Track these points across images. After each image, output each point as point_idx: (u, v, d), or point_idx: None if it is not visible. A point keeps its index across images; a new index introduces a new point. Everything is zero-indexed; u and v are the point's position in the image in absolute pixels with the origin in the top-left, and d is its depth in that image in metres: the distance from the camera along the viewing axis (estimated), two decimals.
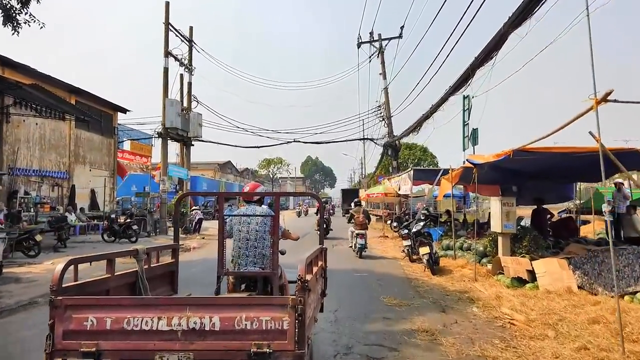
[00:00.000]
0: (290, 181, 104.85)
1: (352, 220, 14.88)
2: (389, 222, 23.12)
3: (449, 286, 8.72)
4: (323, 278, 4.54)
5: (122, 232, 16.80)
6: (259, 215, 4.44)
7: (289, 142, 25.96)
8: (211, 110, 24.17)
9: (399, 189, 17.76)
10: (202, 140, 24.75)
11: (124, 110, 25.99)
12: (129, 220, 16.95)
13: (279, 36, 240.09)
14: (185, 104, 23.13)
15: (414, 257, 12.47)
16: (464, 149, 21.43)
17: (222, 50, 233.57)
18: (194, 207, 37.46)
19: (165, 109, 20.05)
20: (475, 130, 20.15)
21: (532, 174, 11.14)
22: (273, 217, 4.34)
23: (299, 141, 25.97)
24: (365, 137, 26.81)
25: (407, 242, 12.71)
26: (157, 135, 20.40)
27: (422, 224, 11.96)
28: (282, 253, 4.54)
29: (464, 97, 22.03)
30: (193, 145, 23.62)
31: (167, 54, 20.23)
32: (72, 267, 3.07)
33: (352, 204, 15.92)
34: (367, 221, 14.83)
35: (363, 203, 18.11)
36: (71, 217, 18.69)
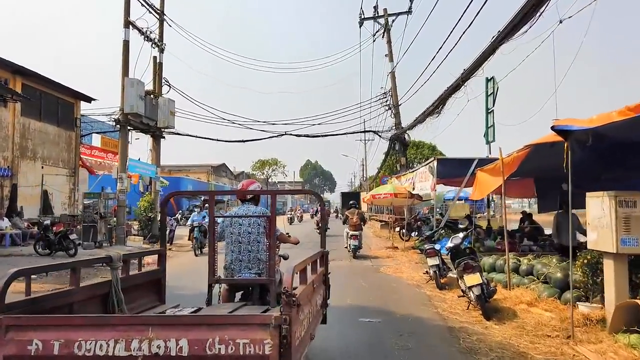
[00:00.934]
0: (289, 185, 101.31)
1: (347, 222, 14.92)
2: (397, 229, 19.30)
3: (529, 349, 4.91)
4: (325, 286, 4.08)
5: (58, 242, 13.04)
6: (252, 216, 4.13)
7: (280, 134, 22.21)
8: (185, 95, 20.43)
9: (413, 188, 14.00)
10: (177, 133, 20.99)
11: (89, 99, 22.31)
12: (62, 229, 13.15)
13: (270, 16, 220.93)
14: (154, 88, 19.40)
15: (443, 280, 8.84)
16: (487, 142, 17.90)
17: (206, 31, 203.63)
18: (176, 214, 33.84)
19: (124, 90, 16.32)
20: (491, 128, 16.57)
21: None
22: (268, 218, 3.99)
23: (291, 134, 22.25)
24: (369, 129, 23.02)
25: (434, 261, 8.98)
26: (113, 123, 16.65)
27: (461, 236, 8.11)
28: (285, 258, 4.58)
29: (488, 80, 18.51)
30: (164, 137, 19.86)
31: (128, 23, 16.52)
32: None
33: (349, 205, 15.88)
34: (361, 223, 14.72)
35: (365, 206, 16.01)
36: (1, 224, 14.93)
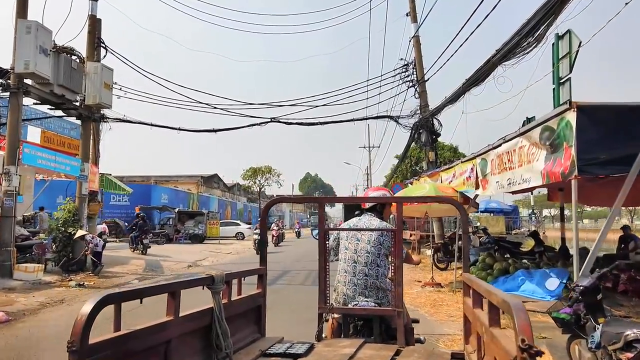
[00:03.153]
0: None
1: None
2: (429, 252, 13.39)
3: None
4: None
5: None
6: (374, 230, 3.34)
7: (265, 122, 16.38)
8: (130, 63, 14.72)
9: (484, 185, 8.13)
10: (117, 120, 15.24)
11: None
12: None
13: None
14: (87, 54, 13.73)
15: None
16: None
17: None
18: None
19: (17, 39, 10.62)
20: (530, 119, 10.97)
21: None
22: (394, 232, 3.16)
23: (280, 121, 16.43)
24: (382, 114, 17.14)
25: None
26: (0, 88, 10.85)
27: (594, 276, 3.84)
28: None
29: (559, 37, 13.00)
30: (95, 120, 14.07)
31: None
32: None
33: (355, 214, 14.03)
34: None
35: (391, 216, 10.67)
36: None
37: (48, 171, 20.27)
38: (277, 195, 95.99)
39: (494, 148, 7.30)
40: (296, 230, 39.80)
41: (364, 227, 3.40)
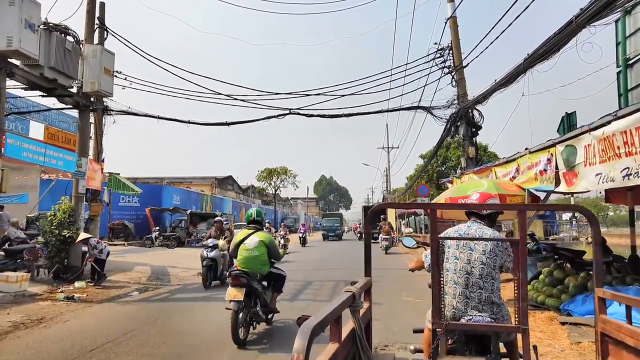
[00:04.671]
0: (302, 201, 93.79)
1: (379, 230, 22.69)
2: None
3: None
4: None
5: None
6: (490, 239, 3.13)
7: (283, 114, 14.74)
8: (133, 47, 13.25)
9: (570, 180, 6.34)
10: (121, 112, 13.76)
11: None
12: None
13: None
14: (85, 37, 12.28)
15: None
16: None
17: None
18: (152, 231, 26.42)
19: None
20: (571, 115, 9.83)
21: None
22: (516, 244, 2.96)
23: (300, 113, 14.77)
24: (413, 104, 15.33)
25: None
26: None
27: None
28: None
29: (626, 11, 11.56)
30: (94, 109, 12.56)
31: None
32: None
33: (381, 218, 24.16)
34: (391, 229, 23.17)
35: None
36: None
37: (45, 168, 18.96)
38: (291, 198, 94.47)
39: (593, 130, 5.49)
40: (300, 235, 29.64)
41: (477, 237, 3.18)
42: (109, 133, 14.01)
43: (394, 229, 32.13)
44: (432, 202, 10.15)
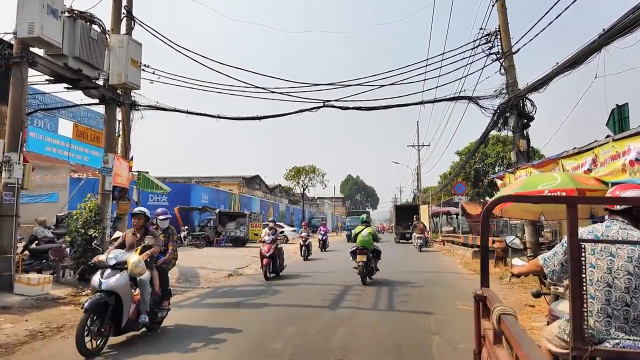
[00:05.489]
0: (329, 201, 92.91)
1: (414, 228, 25.35)
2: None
3: None
4: None
5: None
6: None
7: (316, 107, 13.91)
8: (162, 37, 12.70)
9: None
10: (149, 107, 13.23)
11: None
12: None
13: None
14: (112, 27, 11.74)
15: None
16: None
17: None
18: (181, 230, 25.97)
19: None
20: (622, 108, 8.93)
21: None
22: None
23: (334, 105, 13.92)
24: (460, 95, 14.22)
25: None
26: None
27: None
28: None
29: None
30: (121, 102, 12.01)
31: None
32: None
33: (414, 218, 27.87)
34: (425, 227, 25.47)
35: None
36: None
37: (75, 165, 18.69)
38: (318, 198, 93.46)
39: None
40: (321, 237, 24.22)
41: (622, 239, 2.61)
42: (137, 130, 13.49)
43: (427, 229, 30.97)
44: (495, 197, 9.14)
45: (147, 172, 24.94)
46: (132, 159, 15.80)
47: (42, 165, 21.44)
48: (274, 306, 8.49)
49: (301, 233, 19.71)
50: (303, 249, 18.72)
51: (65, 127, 19.43)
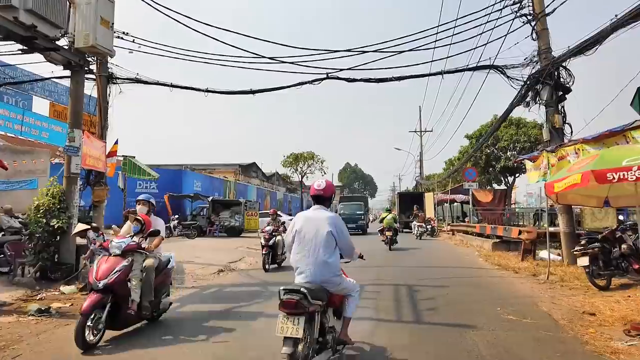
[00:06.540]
0: None
1: (414, 218, 25.26)
2: (586, 263, 8.59)
3: None
4: None
5: None
6: None
7: (319, 79, 12.16)
8: None
9: None
10: (128, 79, 11.50)
11: None
12: None
13: None
14: None
15: None
16: None
17: None
18: (170, 219, 24.28)
19: None
20: None
21: None
22: None
23: (339, 77, 12.17)
24: (483, 63, 12.48)
25: None
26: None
27: None
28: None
29: None
30: (89, 70, 10.25)
31: None
32: None
33: (414, 207, 26.65)
34: (425, 216, 25.88)
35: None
36: None
37: (54, 149, 16.96)
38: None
39: None
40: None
41: None
42: (133, 118, 11.73)
43: (433, 217, 29.39)
44: (549, 181, 7.22)
45: (134, 157, 23.14)
46: (117, 142, 14.06)
47: (20, 150, 19.75)
48: (270, 317, 6.31)
49: (265, 227, 17.09)
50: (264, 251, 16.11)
51: (41, 106, 17.73)
